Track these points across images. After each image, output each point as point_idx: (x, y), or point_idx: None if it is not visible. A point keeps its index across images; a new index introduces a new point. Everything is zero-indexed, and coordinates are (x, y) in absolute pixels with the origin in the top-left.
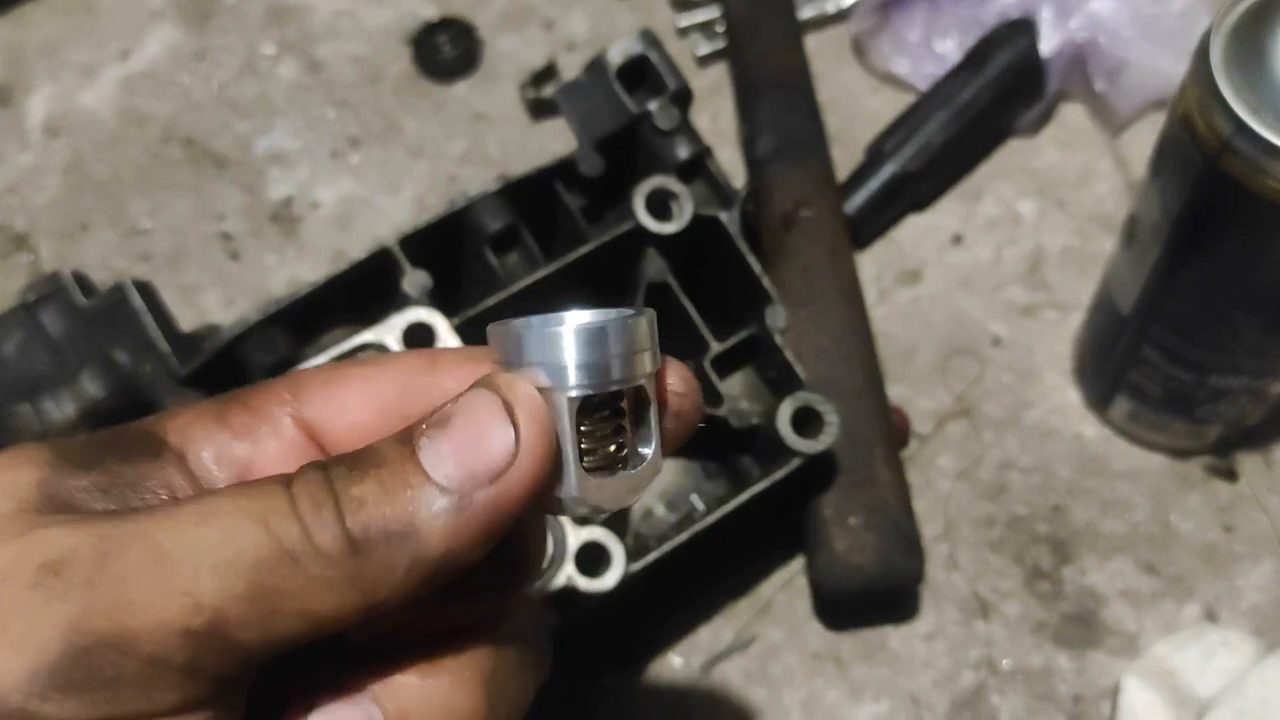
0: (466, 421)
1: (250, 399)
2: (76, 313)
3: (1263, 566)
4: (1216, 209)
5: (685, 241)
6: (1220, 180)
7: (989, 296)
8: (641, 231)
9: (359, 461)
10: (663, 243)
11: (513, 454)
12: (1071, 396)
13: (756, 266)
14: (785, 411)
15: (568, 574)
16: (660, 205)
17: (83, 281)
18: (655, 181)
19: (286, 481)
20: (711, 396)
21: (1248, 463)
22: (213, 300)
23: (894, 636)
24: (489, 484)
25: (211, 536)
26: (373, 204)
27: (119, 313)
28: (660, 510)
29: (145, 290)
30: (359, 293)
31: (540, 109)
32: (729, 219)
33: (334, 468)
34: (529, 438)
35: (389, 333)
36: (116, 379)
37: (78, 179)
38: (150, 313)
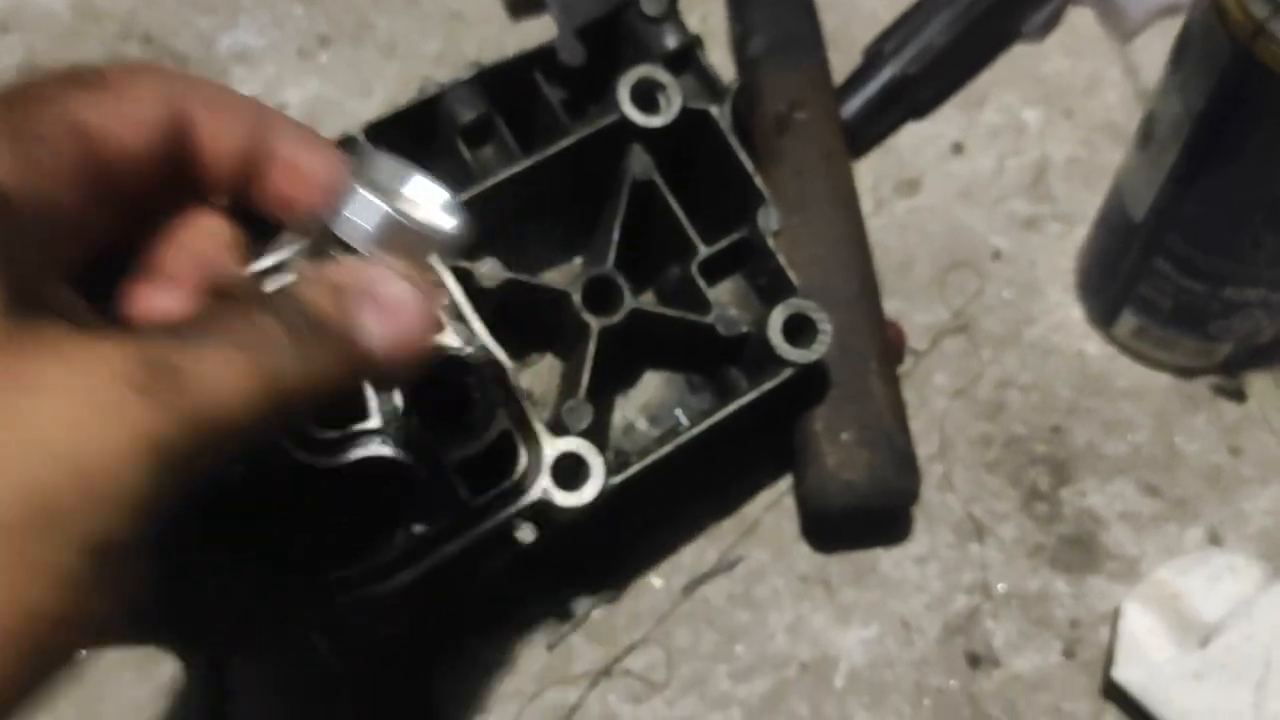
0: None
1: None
2: None
3: (1270, 490)
4: (1245, 102)
5: (673, 137)
6: (1251, 69)
7: (990, 208)
8: (626, 125)
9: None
10: (649, 137)
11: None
12: (1074, 313)
13: (749, 164)
14: (777, 319)
15: (543, 487)
16: (647, 96)
17: None
18: (641, 71)
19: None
20: (699, 303)
21: (1257, 383)
22: None
23: (885, 559)
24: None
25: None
26: (342, 106)
27: None
28: (642, 425)
29: None
30: None
31: (520, 5)
32: (720, 113)
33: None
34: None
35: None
36: None
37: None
38: None
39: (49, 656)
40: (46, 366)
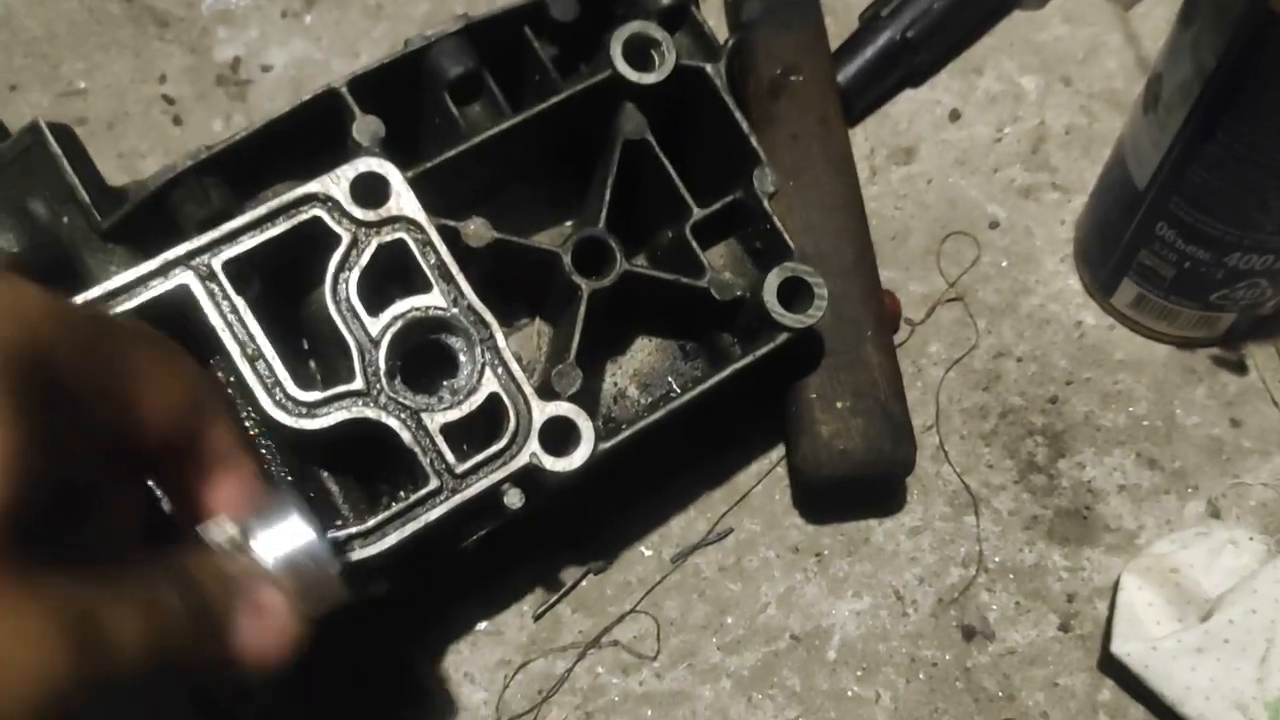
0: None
1: None
2: None
3: (1271, 463)
4: (1261, 57)
5: (666, 95)
6: (1268, 23)
7: (987, 177)
8: (619, 82)
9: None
10: (642, 95)
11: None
12: (1072, 283)
13: (744, 124)
14: (772, 282)
15: (532, 452)
16: (640, 53)
17: None
18: (635, 27)
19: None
20: (692, 266)
21: (1259, 354)
22: (153, 168)
23: (878, 530)
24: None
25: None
26: (328, 68)
27: (34, 159)
28: (633, 392)
29: (64, 134)
30: (303, 144)
31: None
32: (714, 71)
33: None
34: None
35: (336, 184)
36: (33, 232)
37: (7, 35)
38: (70, 159)
39: None
40: (7, 595)
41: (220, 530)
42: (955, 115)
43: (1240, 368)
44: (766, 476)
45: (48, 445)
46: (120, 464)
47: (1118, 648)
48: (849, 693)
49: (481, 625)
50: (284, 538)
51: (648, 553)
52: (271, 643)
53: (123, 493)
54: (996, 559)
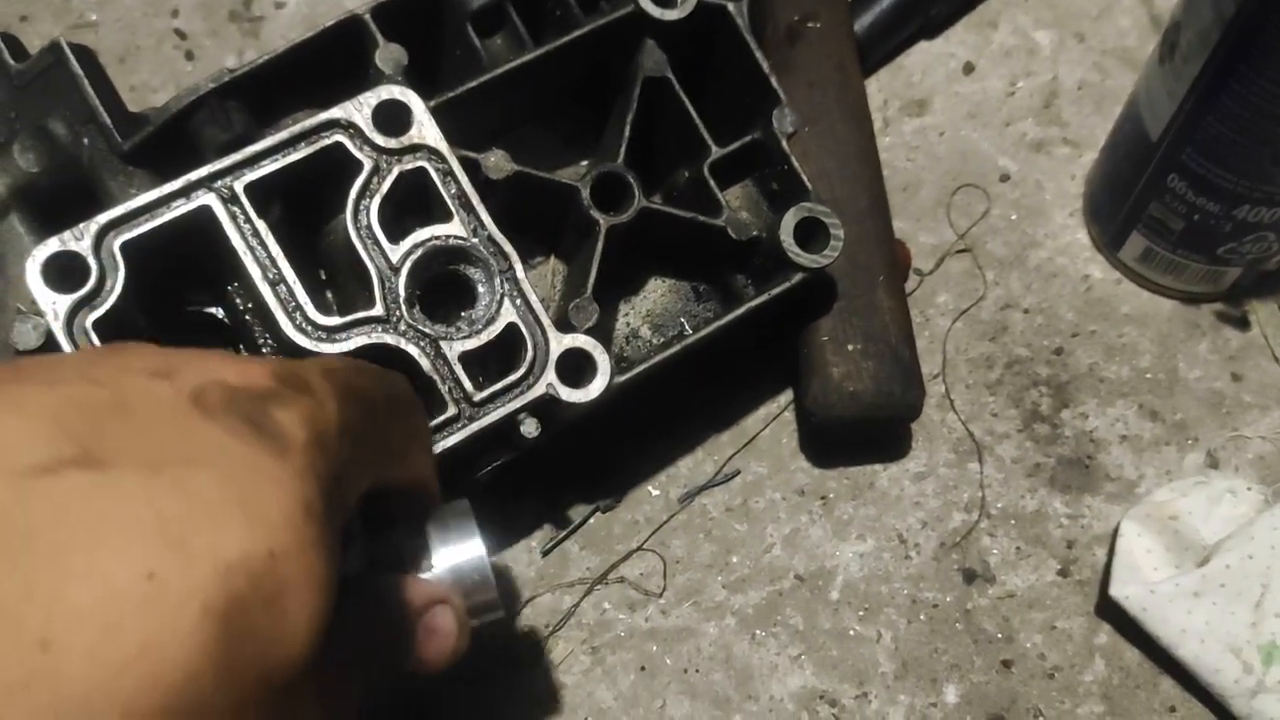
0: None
1: None
2: (5, 77)
3: (1270, 416)
4: None
5: (687, 33)
6: None
7: (999, 130)
8: (641, 17)
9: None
10: (663, 32)
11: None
12: (1081, 237)
13: (765, 64)
14: (789, 221)
15: (548, 382)
16: None
17: (13, 44)
18: None
19: None
20: (710, 205)
21: (1262, 310)
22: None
23: (883, 475)
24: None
25: None
26: (344, 5)
27: (55, 79)
28: (646, 332)
29: (85, 55)
30: (324, 72)
31: None
32: (736, 9)
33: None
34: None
35: (358, 110)
36: (52, 152)
37: None
38: (90, 79)
39: None
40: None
41: (406, 544)
42: (969, 68)
43: (1243, 323)
44: (774, 421)
45: (340, 554)
46: None
47: (1116, 591)
48: (851, 632)
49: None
50: (457, 552)
51: (655, 492)
52: (437, 662)
53: None
54: (999, 505)
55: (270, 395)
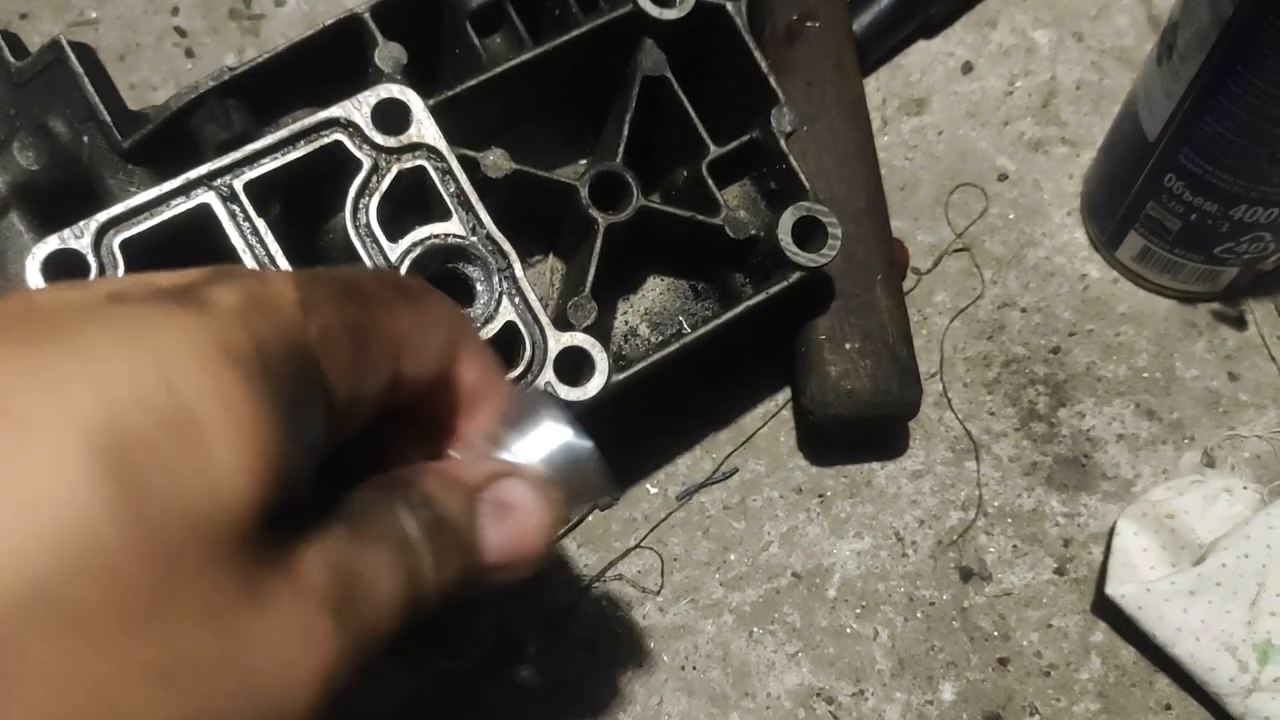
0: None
1: None
2: (5, 75)
3: (1266, 416)
4: (1278, 3)
5: (686, 32)
6: None
7: (998, 129)
8: (639, 16)
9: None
10: (662, 31)
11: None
12: (1078, 236)
13: (764, 63)
14: (787, 220)
15: (546, 380)
16: None
17: (13, 41)
18: None
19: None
20: (708, 204)
21: (1259, 310)
22: (164, 100)
23: (880, 474)
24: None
25: None
26: (344, 4)
27: (54, 76)
28: (644, 330)
29: (84, 53)
30: (323, 71)
31: None
32: (735, 9)
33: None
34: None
35: (358, 109)
36: (52, 150)
37: None
38: (90, 77)
39: None
40: (274, 587)
41: (470, 452)
42: (968, 67)
43: (1240, 323)
44: (772, 419)
45: (302, 435)
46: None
47: (1112, 589)
48: (848, 630)
49: None
50: (538, 442)
51: (653, 490)
52: (522, 543)
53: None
54: (996, 504)
55: (205, 280)
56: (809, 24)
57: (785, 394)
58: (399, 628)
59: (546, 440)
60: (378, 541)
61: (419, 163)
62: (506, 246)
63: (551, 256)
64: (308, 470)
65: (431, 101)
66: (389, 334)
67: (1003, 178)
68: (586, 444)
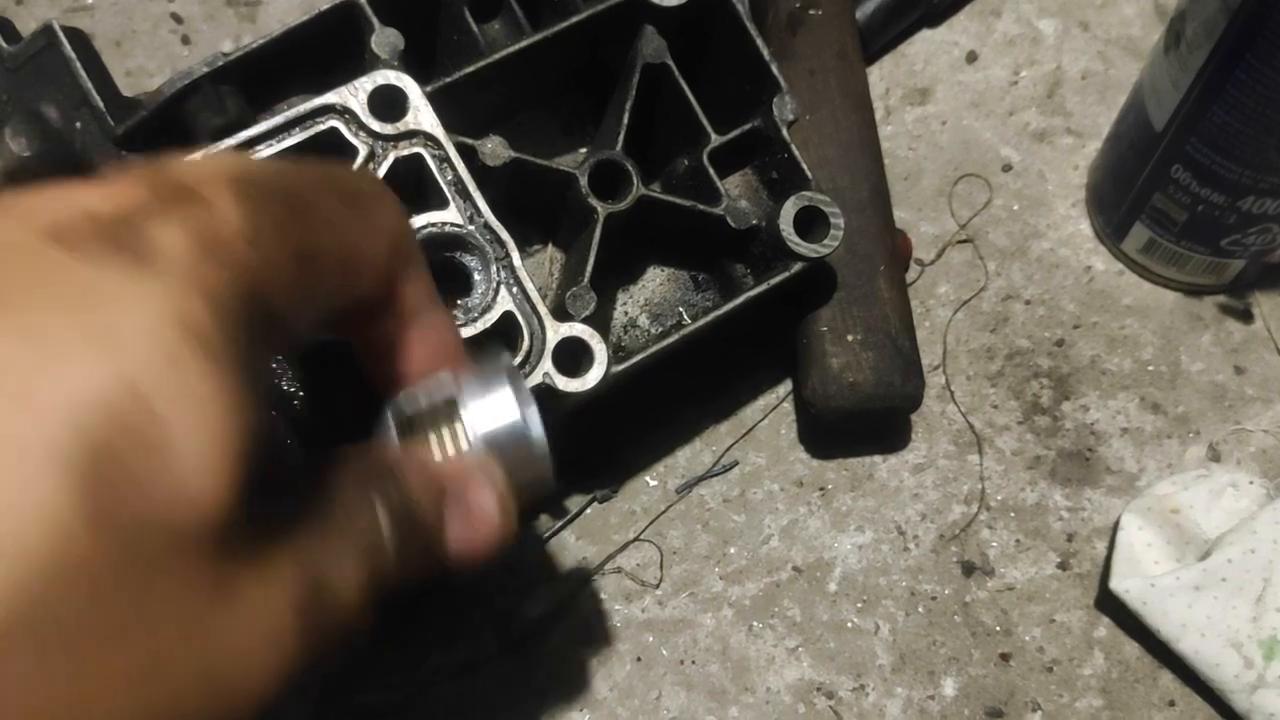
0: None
1: None
2: None
3: (1273, 410)
4: None
5: (687, 19)
6: None
7: (1002, 119)
8: (640, 3)
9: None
10: (663, 18)
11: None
12: (1083, 228)
13: (765, 51)
14: (789, 210)
15: (545, 371)
16: None
17: (6, 26)
18: None
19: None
20: (709, 194)
21: (1266, 303)
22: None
23: (882, 467)
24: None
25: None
26: None
27: (47, 62)
28: (644, 321)
29: (78, 38)
30: (319, 57)
31: None
32: None
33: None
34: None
35: (354, 95)
36: (44, 136)
37: None
38: (83, 63)
39: None
40: (246, 588)
41: (413, 401)
42: (972, 57)
43: (1246, 316)
44: (773, 411)
45: (259, 379)
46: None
47: (1116, 584)
48: (849, 624)
49: None
50: (491, 411)
51: (653, 483)
52: (479, 546)
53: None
54: (998, 498)
55: (146, 212)
56: (812, 11)
57: (786, 386)
58: (354, 620)
59: (500, 412)
60: (353, 546)
61: (416, 150)
62: (505, 235)
63: (550, 246)
64: (266, 410)
65: (429, 88)
66: (336, 251)
67: (1007, 168)
68: (538, 428)
